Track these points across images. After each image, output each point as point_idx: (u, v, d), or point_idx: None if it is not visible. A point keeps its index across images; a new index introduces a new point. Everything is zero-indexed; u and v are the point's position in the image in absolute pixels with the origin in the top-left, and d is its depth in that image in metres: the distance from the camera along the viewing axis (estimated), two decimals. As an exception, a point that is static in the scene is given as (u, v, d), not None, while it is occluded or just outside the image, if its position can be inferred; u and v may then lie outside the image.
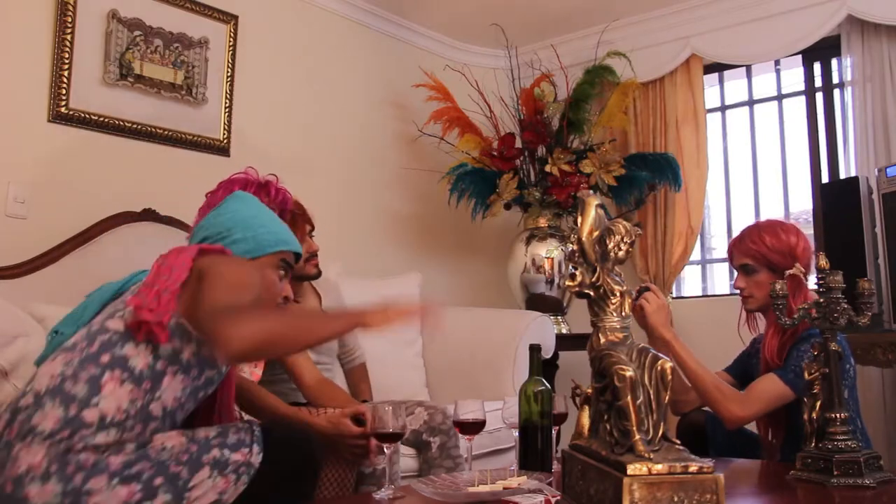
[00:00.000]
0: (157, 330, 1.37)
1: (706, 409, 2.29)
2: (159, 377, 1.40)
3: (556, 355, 3.40)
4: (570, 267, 1.41)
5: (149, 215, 2.63)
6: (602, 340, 1.34)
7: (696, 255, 3.85)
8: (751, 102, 3.86)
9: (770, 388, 1.91)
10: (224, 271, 1.44)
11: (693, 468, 1.19)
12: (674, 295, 3.82)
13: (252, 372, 2.12)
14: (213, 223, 1.61)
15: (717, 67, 3.82)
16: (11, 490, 1.25)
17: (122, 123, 2.74)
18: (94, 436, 1.31)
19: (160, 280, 1.40)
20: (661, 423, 1.25)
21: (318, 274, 2.33)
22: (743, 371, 2.10)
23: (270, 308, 1.57)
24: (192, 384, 1.47)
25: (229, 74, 3.08)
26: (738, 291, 2.13)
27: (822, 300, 1.69)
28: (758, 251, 2.05)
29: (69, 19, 2.60)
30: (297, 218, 2.18)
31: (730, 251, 2.16)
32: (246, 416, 1.95)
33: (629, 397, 1.23)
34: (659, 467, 1.18)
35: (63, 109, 2.59)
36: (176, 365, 1.42)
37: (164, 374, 1.41)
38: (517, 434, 1.87)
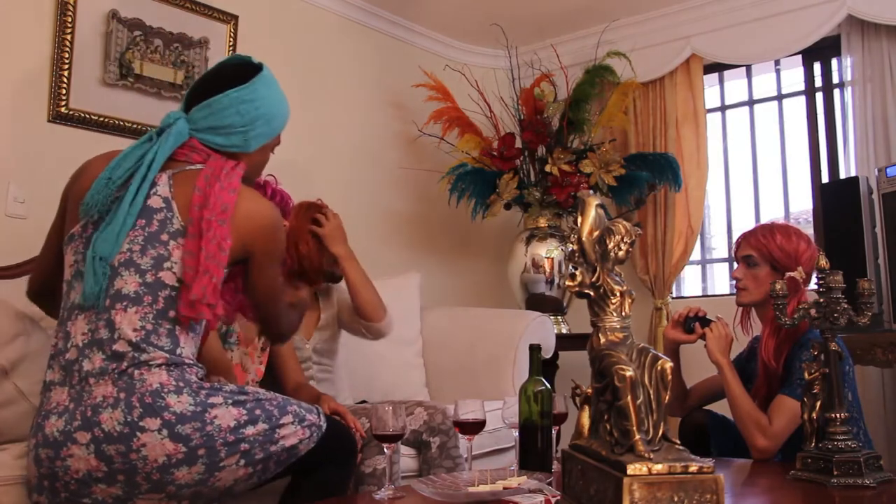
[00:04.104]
0: (212, 319, 1.54)
1: (706, 408, 2.30)
2: (202, 324, 1.60)
3: (556, 355, 3.40)
4: (570, 267, 1.41)
5: (149, 215, 2.63)
6: (602, 340, 1.34)
7: (696, 255, 3.86)
8: (751, 102, 3.86)
9: (787, 411, 1.92)
10: (273, 257, 1.66)
11: (693, 468, 1.19)
12: (674, 295, 3.82)
13: (257, 370, 2.13)
14: (240, 111, 1.66)
15: (717, 67, 3.82)
16: (151, 401, 1.42)
17: (122, 123, 2.74)
18: (192, 367, 1.52)
19: (210, 263, 1.50)
20: (662, 423, 1.25)
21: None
22: (741, 373, 2.11)
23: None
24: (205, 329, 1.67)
25: (229, 74, 3.07)
26: (735, 285, 2.15)
27: (822, 300, 1.69)
28: (765, 246, 2.08)
29: (69, 19, 2.60)
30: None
31: (738, 242, 2.18)
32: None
33: (629, 397, 1.23)
34: (659, 467, 1.18)
35: (63, 109, 2.59)
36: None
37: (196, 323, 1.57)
38: (517, 434, 1.87)
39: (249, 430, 1.49)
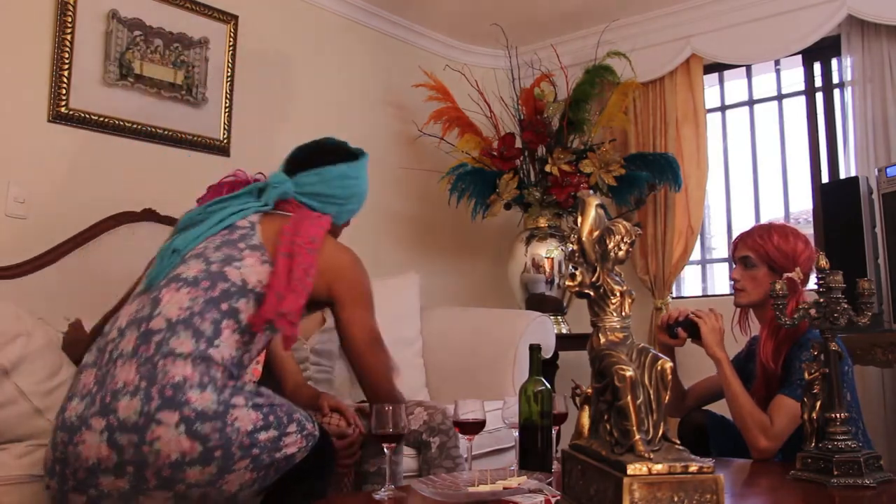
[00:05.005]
0: (288, 335, 1.56)
1: (705, 408, 2.30)
2: (254, 333, 1.57)
3: (556, 355, 3.40)
4: (570, 267, 1.41)
5: (149, 215, 2.63)
6: (602, 340, 1.34)
7: (696, 255, 3.86)
8: (751, 102, 3.86)
9: (787, 411, 1.92)
10: (362, 299, 1.71)
11: (693, 468, 1.19)
12: (674, 295, 3.82)
13: (254, 370, 2.13)
14: (344, 185, 1.82)
15: (717, 67, 3.82)
16: (172, 394, 1.40)
17: (122, 123, 2.74)
18: (218, 368, 1.48)
19: (298, 285, 1.55)
20: (662, 423, 1.25)
21: None
22: (740, 373, 2.11)
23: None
24: (265, 344, 1.66)
25: (229, 74, 3.08)
26: (733, 286, 2.15)
27: (821, 300, 1.69)
28: (763, 247, 2.08)
29: (69, 19, 2.60)
30: None
31: (735, 242, 2.18)
32: None
33: (629, 397, 1.23)
34: (659, 467, 1.18)
35: (63, 109, 2.59)
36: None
37: (257, 332, 1.57)
38: (517, 434, 1.87)
39: (262, 436, 1.48)
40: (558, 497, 1.41)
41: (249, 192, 1.76)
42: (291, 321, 1.54)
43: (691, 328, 2.14)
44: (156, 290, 1.57)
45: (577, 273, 1.39)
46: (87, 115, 2.65)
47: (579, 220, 1.42)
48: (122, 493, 1.42)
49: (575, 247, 1.41)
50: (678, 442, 1.25)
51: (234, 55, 3.09)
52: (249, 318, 1.55)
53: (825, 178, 3.50)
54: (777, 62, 3.72)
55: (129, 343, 1.49)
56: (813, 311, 1.71)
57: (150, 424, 1.38)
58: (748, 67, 3.79)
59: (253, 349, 1.61)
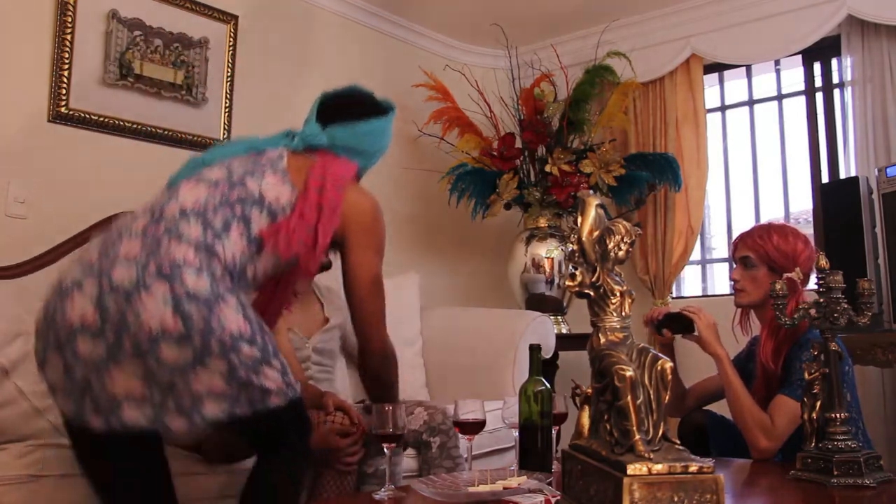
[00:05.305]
0: (311, 270, 1.63)
1: (705, 408, 2.30)
2: (262, 249, 1.58)
3: (556, 355, 3.39)
4: (570, 267, 1.41)
5: (149, 215, 2.63)
6: (602, 340, 1.34)
7: (696, 255, 3.86)
8: (751, 102, 3.86)
9: (788, 411, 1.91)
10: (375, 244, 1.75)
11: (693, 468, 1.19)
12: (674, 295, 3.82)
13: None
14: (374, 140, 1.87)
15: (717, 67, 3.82)
16: (169, 270, 1.41)
17: (122, 123, 2.74)
18: (219, 264, 1.49)
19: (325, 220, 1.61)
20: (661, 423, 1.25)
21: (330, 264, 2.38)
22: (740, 373, 2.11)
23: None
24: (280, 267, 1.65)
25: (229, 74, 3.08)
26: (734, 287, 2.15)
27: (821, 300, 1.69)
28: (762, 247, 2.07)
29: (69, 19, 2.60)
30: None
31: (735, 242, 2.18)
32: None
33: (629, 397, 1.23)
34: (659, 467, 1.18)
35: (63, 109, 2.59)
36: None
37: (265, 247, 1.58)
38: (517, 434, 1.87)
39: (245, 348, 1.43)
40: (558, 497, 1.41)
41: (283, 135, 1.81)
42: (317, 257, 1.61)
43: (682, 324, 2.13)
44: (177, 188, 1.61)
45: (577, 273, 1.39)
46: (87, 115, 2.65)
47: (579, 220, 1.42)
48: (95, 361, 1.38)
49: (575, 247, 1.41)
50: (678, 442, 1.25)
51: (234, 55, 3.09)
52: (262, 231, 1.57)
53: (825, 178, 3.50)
54: (777, 62, 3.72)
55: (139, 224, 1.51)
56: (813, 311, 1.71)
57: (140, 291, 1.37)
58: (748, 67, 3.79)
59: (259, 267, 1.59)
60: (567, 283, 1.40)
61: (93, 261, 1.46)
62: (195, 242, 1.47)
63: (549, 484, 1.53)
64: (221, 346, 1.40)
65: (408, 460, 2.21)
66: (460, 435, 1.88)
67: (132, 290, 1.37)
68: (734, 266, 2.18)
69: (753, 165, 3.79)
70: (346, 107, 1.87)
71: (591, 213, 1.40)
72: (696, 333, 2.11)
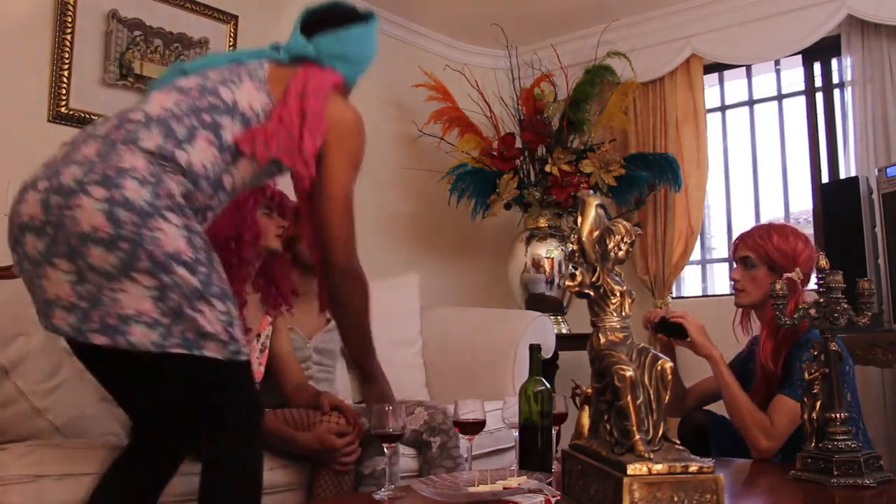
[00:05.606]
0: (303, 174, 1.59)
1: (705, 408, 2.30)
2: (238, 156, 1.55)
3: (556, 355, 3.40)
4: (570, 267, 1.41)
5: (149, 215, 2.63)
6: (602, 340, 1.34)
7: (696, 255, 3.86)
8: (751, 102, 3.86)
9: (788, 411, 1.91)
10: (352, 159, 1.69)
11: (693, 468, 1.19)
12: (674, 295, 3.82)
13: (257, 370, 2.13)
14: (360, 46, 1.88)
15: (717, 67, 3.82)
16: (113, 175, 1.38)
17: (122, 123, 2.74)
18: (176, 174, 1.44)
19: (310, 124, 1.58)
20: (661, 423, 1.25)
21: None
22: (740, 373, 2.11)
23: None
24: (261, 174, 1.64)
25: (229, 74, 3.08)
26: (734, 287, 2.15)
27: (821, 300, 1.69)
28: (762, 247, 2.07)
29: (69, 19, 2.60)
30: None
31: (736, 243, 2.18)
32: None
33: (629, 397, 1.23)
34: (659, 467, 1.18)
35: (63, 109, 2.59)
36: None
37: (242, 156, 1.55)
38: (517, 434, 1.87)
39: (180, 272, 1.36)
40: (558, 497, 1.42)
41: (270, 48, 1.79)
42: (307, 161, 1.57)
43: (672, 330, 2.14)
44: (150, 94, 1.58)
45: (577, 273, 1.39)
46: (87, 115, 2.65)
47: (579, 220, 1.42)
48: (36, 258, 1.38)
49: (575, 247, 1.41)
50: (678, 442, 1.25)
51: (234, 55, 3.09)
52: (236, 137, 1.54)
53: (825, 178, 3.50)
54: (777, 62, 3.72)
55: (105, 128, 1.49)
56: (813, 311, 1.71)
57: (79, 193, 1.36)
58: (748, 67, 3.79)
59: (237, 175, 1.56)
60: (567, 283, 1.41)
61: (55, 161, 1.45)
62: (152, 150, 1.43)
63: (549, 484, 1.53)
64: (152, 260, 1.35)
65: (408, 460, 2.21)
66: (460, 435, 1.88)
67: (74, 190, 1.36)
68: (734, 266, 2.18)
69: (753, 165, 3.79)
70: (329, 17, 1.86)
71: (591, 213, 1.41)
72: (686, 339, 2.11)
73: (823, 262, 1.69)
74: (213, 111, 1.53)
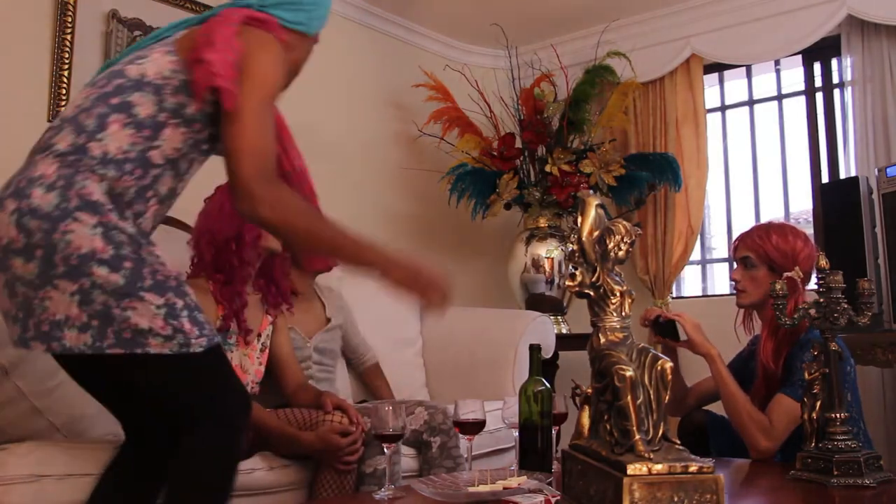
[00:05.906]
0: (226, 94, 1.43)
1: (705, 408, 2.30)
2: (160, 127, 1.47)
3: (556, 355, 3.40)
4: (570, 267, 1.41)
5: (149, 215, 2.62)
6: (602, 340, 1.34)
7: (696, 255, 3.86)
8: (751, 102, 3.86)
9: (787, 410, 1.91)
10: (263, 72, 1.49)
11: (693, 468, 1.19)
12: (674, 295, 3.82)
13: (257, 371, 2.13)
14: None
15: (717, 67, 3.82)
16: (23, 186, 1.38)
17: (122, 123, 2.74)
18: (97, 167, 1.40)
19: (220, 44, 1.45)
20: (661, 423, 1.25)
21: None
22: (741, 372, 2.11)
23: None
24: (195, 136, 1.52)
25: (229, 74, 3.07)
26: (734, 287, 2.16)
27: (821, 300, 1.69)
28: (762, 247, 2.07)
29: (69, 19, 2.60)
30: None
31: (736, 243, 2.18)
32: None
33: (629, 397, 1.23)
34: (659, 467, 1.18)
35: (63, 109, 2.59)
36: (178, 118, 1.49)
37: (164, 126, 1.47)
38: (517, 434, 1.87)
39: (99, 272, 1.32)
40: (558, 497, 1.42)
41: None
42: (214, 71, 1.41)
43: (666, 330, 2.14)
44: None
45: (577, 273, 1.39)
46: (87, 115, 2.65)
47: (579, 220, 1.42)
48: None
49: (575, 247, 1.41)
50: (678, 442, 1.25)
51: (234, 55, 3.09)
52: (149, 113, 1.45)
53: (825, 178, 3.51)
54: (777, 62, 3.72)
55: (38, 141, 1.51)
56: (813, 311, 1.71)
57: None
58: (748, 67, 3.79)
59: (165, 146, 1.47)
60: (567, 283, 1.41)
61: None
62: (64, 151, 1.41)
63: (549, 484, 1.53)
64: (67, 264, 1.32)
65: (408, 460, 2.21)
66: (460, 435, 1.88)
67: None
68: (735, 266, 2.18)
69: (753, 165, 3.79)
70: None
71: (591, 213, 1.41)
72: (680, 340, 2.11)
73: (823, 262, 1.69)
74: (121, 92, 1.46)
